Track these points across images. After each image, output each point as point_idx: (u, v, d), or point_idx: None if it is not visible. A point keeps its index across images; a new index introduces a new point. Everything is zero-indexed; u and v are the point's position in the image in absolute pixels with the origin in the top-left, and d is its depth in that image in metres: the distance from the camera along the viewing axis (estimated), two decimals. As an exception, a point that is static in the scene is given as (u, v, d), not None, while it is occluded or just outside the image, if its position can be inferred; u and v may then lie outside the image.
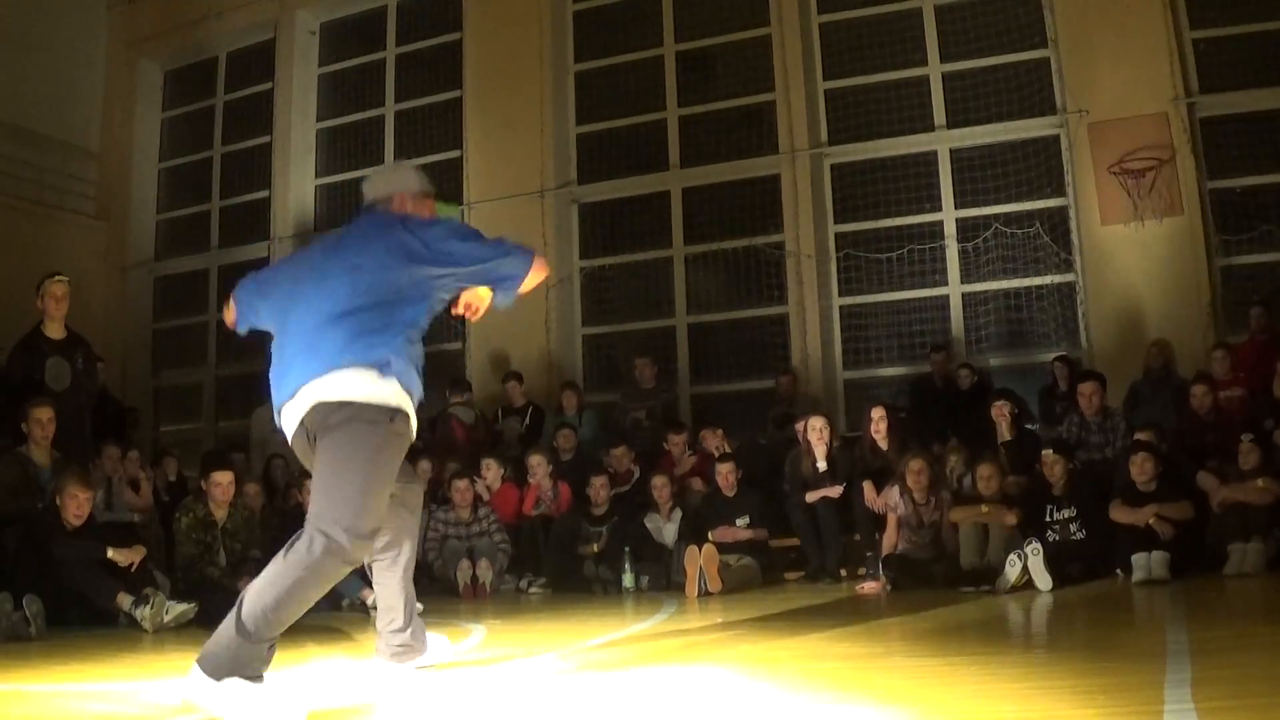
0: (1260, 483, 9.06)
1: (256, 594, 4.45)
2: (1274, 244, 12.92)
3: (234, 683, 4.34)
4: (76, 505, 8.73)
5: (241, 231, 17.90)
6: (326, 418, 4.79)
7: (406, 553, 5.57)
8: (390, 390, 4.85)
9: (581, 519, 11.41)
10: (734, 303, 15.20)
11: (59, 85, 17.52)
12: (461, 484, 11.52)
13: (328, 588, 4.67)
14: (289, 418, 4.95)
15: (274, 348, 5.10)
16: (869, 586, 9.85)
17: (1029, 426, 11.82)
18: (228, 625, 4.40)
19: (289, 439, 5.04)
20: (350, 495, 4.65)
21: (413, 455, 12.76)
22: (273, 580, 4.48)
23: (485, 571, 10.91)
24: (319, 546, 4.52)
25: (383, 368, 4.84)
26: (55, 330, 10.02)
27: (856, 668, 5.29)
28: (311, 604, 4.61)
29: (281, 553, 4.55)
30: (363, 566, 5.34)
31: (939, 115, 14.42)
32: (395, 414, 4.87)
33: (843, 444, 11.69)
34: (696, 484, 12.02)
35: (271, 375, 5.03)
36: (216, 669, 4.35)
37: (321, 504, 4.65)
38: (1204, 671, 4.38)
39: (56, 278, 10.08)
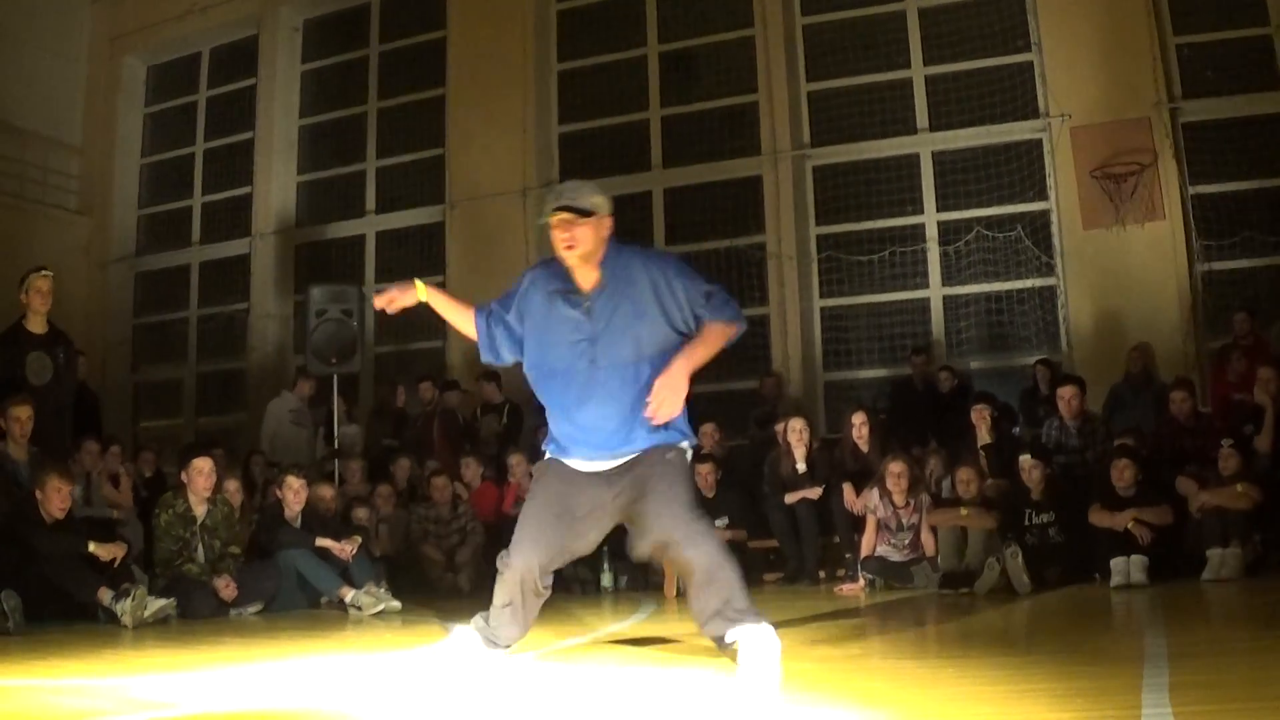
0: (1239, 488, 9.05)
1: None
2: (1255, 250, 12.97)
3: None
4: (60, 499, 8.66)
5: (223, 227, 17.90)
6: None
7: None
8: None
9: (560, 518, 11.33)
10: (715, 304, 15.16)
11: (41, 80, 17.47)
12: (439, 481, 11.51)
13: None
14: None
15: None
16: (848, 588, 9.87)
17: (1015, 430, 11.84)
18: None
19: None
20: None
21: (390, 454, 12.93)
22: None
23: (464, 570, 10.93)
24: None
25: None
26: (37, 325, 9.94)
27: (834, 669, 5.29)
28: None
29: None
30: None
31: (921, 118, 14.46)
32: None
33: (822, 446, 11.67)
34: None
35: None
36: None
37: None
38: (1182, 676, 4.38)
39: (42, 272, 10.01)
